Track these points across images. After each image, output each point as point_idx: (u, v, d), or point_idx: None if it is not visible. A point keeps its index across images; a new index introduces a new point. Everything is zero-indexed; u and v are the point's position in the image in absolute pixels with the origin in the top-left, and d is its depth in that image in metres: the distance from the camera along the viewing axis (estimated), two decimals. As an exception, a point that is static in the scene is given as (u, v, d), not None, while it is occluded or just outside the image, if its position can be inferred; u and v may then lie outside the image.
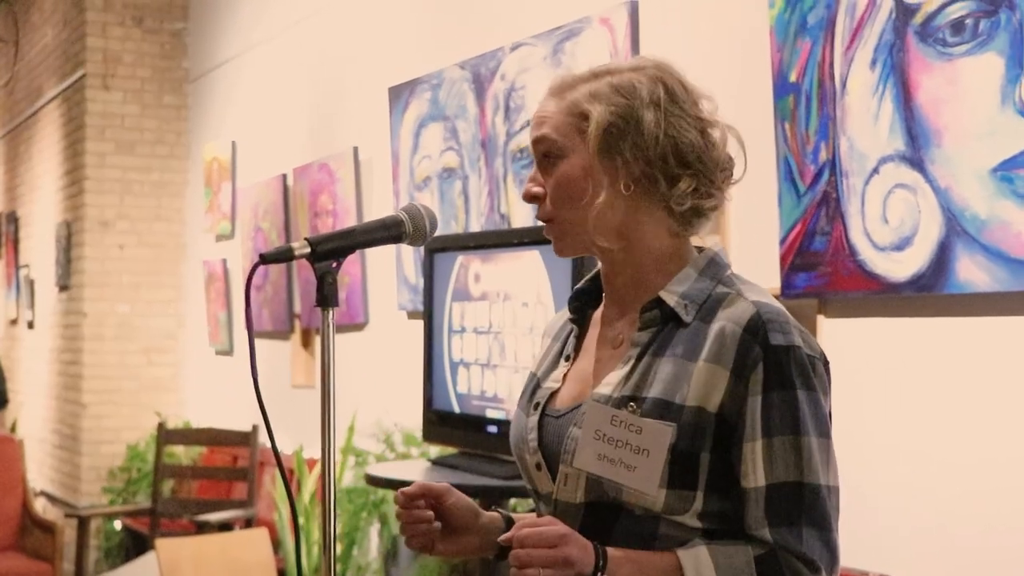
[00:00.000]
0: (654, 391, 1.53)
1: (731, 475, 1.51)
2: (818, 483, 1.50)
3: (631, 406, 1.53)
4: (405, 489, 1.57)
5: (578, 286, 1.70)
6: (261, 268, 5.07)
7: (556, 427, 1.61)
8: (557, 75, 1.64)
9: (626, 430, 1.51)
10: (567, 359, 1.66)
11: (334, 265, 1.52)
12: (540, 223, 1.63)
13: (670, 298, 1.56)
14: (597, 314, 1.68)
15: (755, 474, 1.49)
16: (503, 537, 1.47)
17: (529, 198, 1.61)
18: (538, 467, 1.61)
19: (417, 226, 1.60)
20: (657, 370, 1.54)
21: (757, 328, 1.50)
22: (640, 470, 1.50)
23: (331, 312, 1.51)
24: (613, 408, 1.54)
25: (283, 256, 1.50)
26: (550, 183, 1.59)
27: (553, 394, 1.64)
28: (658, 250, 1.59)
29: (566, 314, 1.73)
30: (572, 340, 1.67)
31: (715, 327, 1.52)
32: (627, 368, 1.56)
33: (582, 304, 1.69)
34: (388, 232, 1.60)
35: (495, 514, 1.65)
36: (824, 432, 1.53)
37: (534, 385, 1.68)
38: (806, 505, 1.48)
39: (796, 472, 1.49)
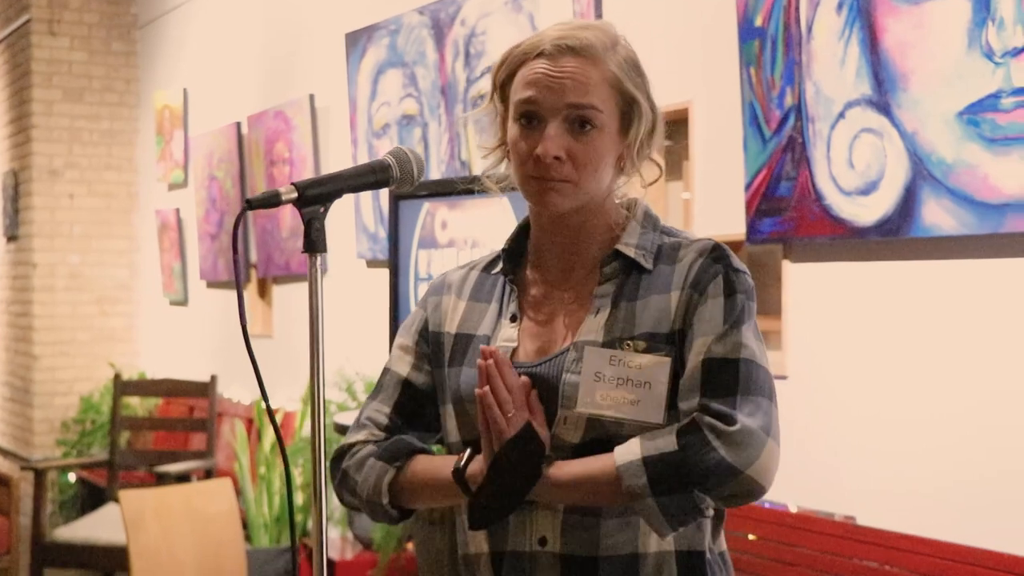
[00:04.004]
0: (641, 328, 1.60)
1: None
2: (754, 359, 1.57)
3: (627, 344, 1.59)
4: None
5: (506, 247, 1.73)
6: (214, 217, 5.04)
7: (533, 379, 1.63)
8: (566, 28, 1.63)
9: (625, 367, 1.57)
10: (513, 319, 1.69)
11: (321, 210, 1.51)
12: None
13: (628, 250, 1.64)
14: (527, 275, 1.72)
15: (695, 356, 1.57)
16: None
17: (551, 159, 1.58)
18: None
19: (404, 170, 1.59)
20: (637, 311, 1.61)
21: (718, 254, 1.62)
22: (644, 403, 1.57)
23: (318, 258, 1.50)
24: (609, 349, 1.59)
25: (270, 201, 1.48)
26: (580, 150, 1.60)
27: (512, 352, 1.67)
28: (608, 209, 1.68)
29: (474, 274, 1.76)
30: (514, 300, 1.70)
31: (682, 264, 1.63)
32: (604, 315, 1.62)
33: (513, 265, 1.73)
34: (376, 176, 1.58)
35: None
36: (762, 340, 1.61)
37: (484, 344, 1.70)
38: (741, 377, 1.55)
39: (733, 352, 1.56)
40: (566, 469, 1.56)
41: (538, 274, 1.70)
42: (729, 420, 1.51)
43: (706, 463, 1.50)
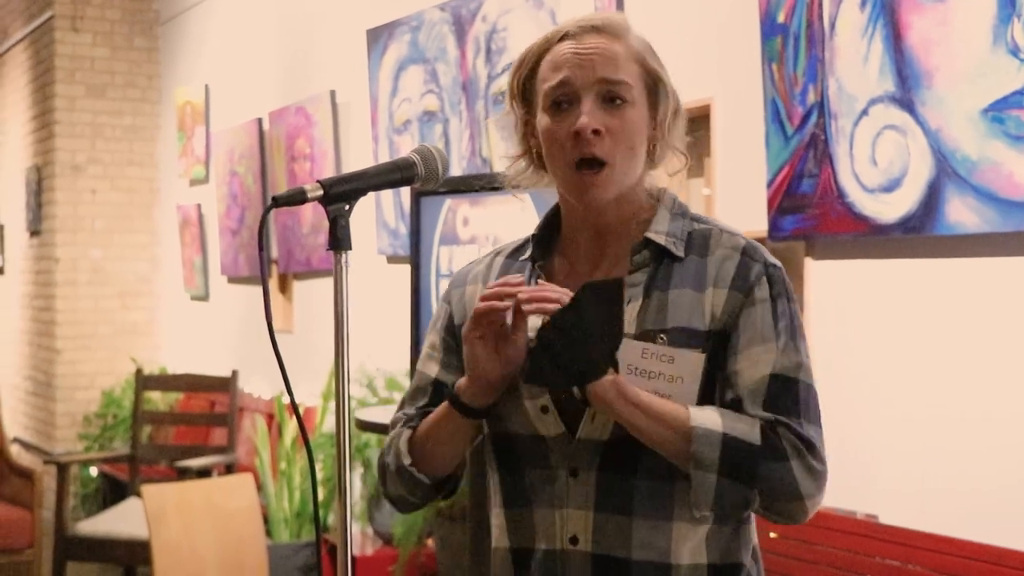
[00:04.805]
0: (674, 322, 1.58)
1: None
2: (811, 384, 1.59)
3: (661, 338, 1.57)
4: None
5: (536, 234, 1.71)
6: (235, 213, 5.02)
7: None
8: (585, 14, 1.65)
9: (658, 361, 1.56)
10: None
11: (347, 208, 1.51)
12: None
13: (658, 237, 1.62)
14: (555, 262, 1.70)
15: (757, 368, 1.56)
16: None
17: (592, 133, 1.57)
18: (544, 410, 1.62)
19: (429, 168, 1.59)
20: (670, 303, 1.59)
21: (752, 251, 1.61)
22: (677, 397, 1.55)
23: (344, 255, 1.50)
24: (641, 342, 1.57)
25: (295, 199, 1.48)
26: (615, 126, 1.60)
27: None
28: (638, 196, 1.66)
29: (499, 260, 1.75)
30: None
31: (714, 257, 1.61)
32: (635, 306, 1.60)
33: (541, 251, 1.72)
34: (401, 174, 1.58)
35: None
36: (804, 338, 1.63)
37: None
38: (802, 400, 1.56)
39: (795, 371, 1.57)
40: (640, 391, 1.53)
41: (567, 262, 1.69)
42: (815, 453, 1.54)
43: (780, 474, 1.52)
